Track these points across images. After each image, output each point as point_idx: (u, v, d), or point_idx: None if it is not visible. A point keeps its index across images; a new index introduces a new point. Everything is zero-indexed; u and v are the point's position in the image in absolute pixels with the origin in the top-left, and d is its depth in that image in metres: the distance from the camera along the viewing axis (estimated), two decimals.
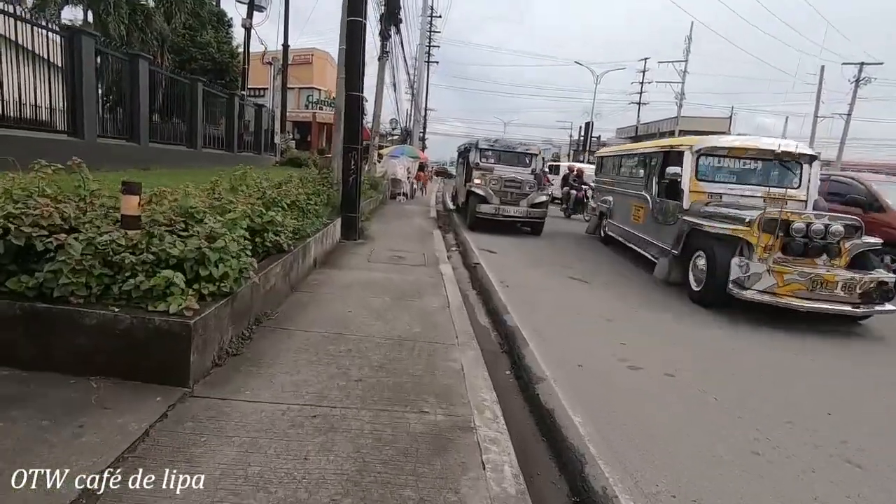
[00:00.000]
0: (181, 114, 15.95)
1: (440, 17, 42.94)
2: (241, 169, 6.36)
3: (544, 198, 11.54)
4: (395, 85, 22.61)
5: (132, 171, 10.47)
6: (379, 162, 18.19)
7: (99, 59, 11.49)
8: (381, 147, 21.01)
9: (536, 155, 12.89)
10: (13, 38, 8.48)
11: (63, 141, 9.71)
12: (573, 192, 16.16)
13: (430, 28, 40.75)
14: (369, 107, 15.61)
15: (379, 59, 14.85)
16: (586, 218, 13.85)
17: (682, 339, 4.97)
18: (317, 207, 7.42)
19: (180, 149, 15.52)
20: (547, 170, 16.83)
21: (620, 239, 9.83)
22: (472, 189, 11.47)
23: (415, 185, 17.82)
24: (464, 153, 13.64)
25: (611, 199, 10.71)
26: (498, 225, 11.47)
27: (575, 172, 16.83)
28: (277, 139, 23.65)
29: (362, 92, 8.09)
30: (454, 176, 49.13)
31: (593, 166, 15.33)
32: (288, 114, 34.13)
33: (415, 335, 4.07)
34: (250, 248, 3.79)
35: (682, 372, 4.05)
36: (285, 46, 26.24)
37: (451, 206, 16.64)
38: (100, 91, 12.13)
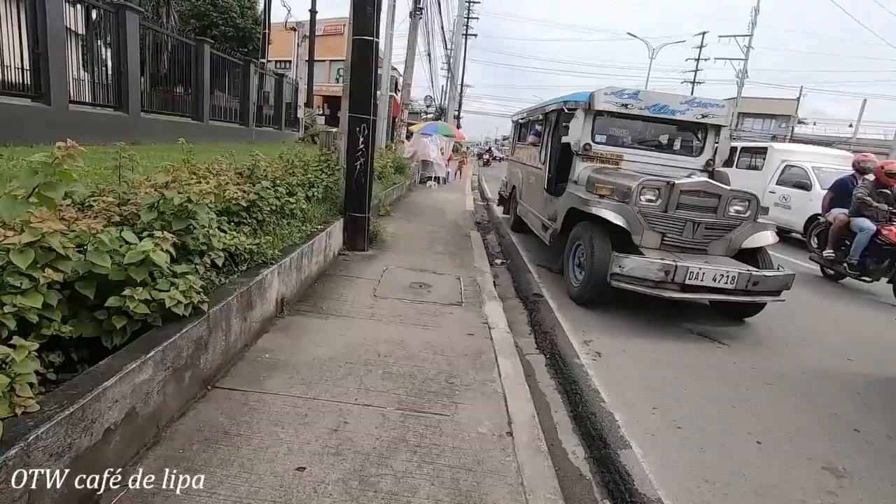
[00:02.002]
0: (185, 81, 13.65)
1: None
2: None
3: (769, 236, 4.88)
4: (429, 55, 19.75)
5: (111, 147, 8.06)
6: (408, 140, 15.53)
7: (70, 7, 9.14)
8: (410, 124, 18.26)
9: (718, 128, 5.96)
10: None
11: (25, 107, 7.49)
12: (865, 223, 6.57)
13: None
14: (390, 79, 12.87)
15: (411, 15, 12.06)
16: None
17: None
18: (303, 207, 4.87)
19: (182, 120, 13.23)
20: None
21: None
22: (593, 207, 4.85)
23: (448, 169, 15.15)
24: (534, 123, 7.98)
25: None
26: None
27: (873, 174, 6.96)
28: (301, 113, 21.22)
29: (376, 36, 5.42)
30: (497, 159, 46.17)
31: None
32: (317, 87, 31.75)
33: None
34: None
35: None
36: (312, 13, 23.60)
37: (497, 209, 10.93)
38: (73, 46, 9.87)
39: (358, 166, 5.61)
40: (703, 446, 2.72)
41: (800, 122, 40.20)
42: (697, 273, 4.27)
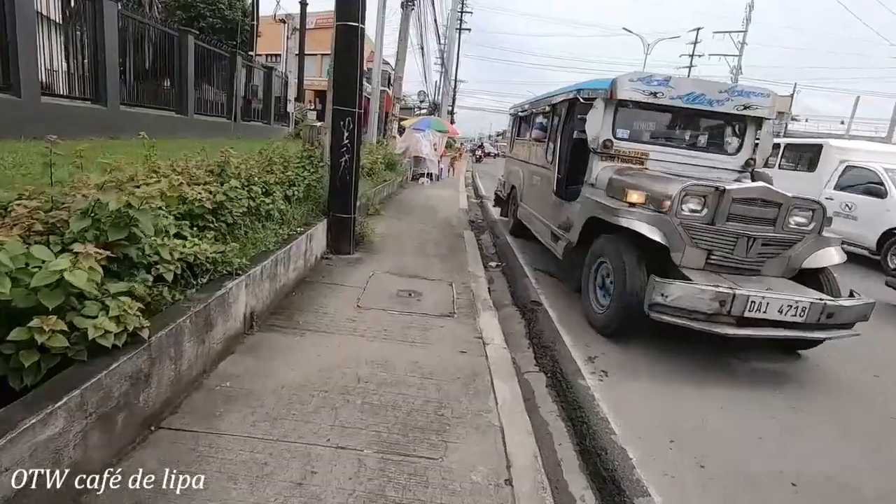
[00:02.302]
0: (168, 73, 13.14)
1: None
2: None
3: (835, 254, 4.01)
4: (423, 48, 19.26)
5: (89, 141, 7.59)
6: (400, 136, 15.08)
7: None
8: (402, 119, 17.79)
9: (759, 121, 5.20)
10: None
11: None
12: None
13: None
14: (382, 73, 12.41)
15: (402, 6, 11.59)
16: None
17: None
18: (281, 207, 4.46)
19: (165, 114, 12.73)
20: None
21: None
22: (623, 218, 3.97)
23: (441, 165, 14.71)
24: (538, 116, 7.12)
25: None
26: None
27: None
28: (291, 108, 20.66)
29: (362, 22, 4.99)
30: (491, 155, 45.84)
31: None
32: (308, 82, 31.12)
33: None
34: None
35: None
36: (303, 4, 23.02)
37: (494, 210, 10.01)
38: (45, 34, 9.33)
39: (343, 163, 5.19)
40: (731, 491, 2.35)
41: (793, 118, 40.06)
42: (760, 303, 3.38)
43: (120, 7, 10.31)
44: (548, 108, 6.44)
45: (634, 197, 3.99)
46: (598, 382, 3.32)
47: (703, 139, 5.50)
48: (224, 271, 3.02)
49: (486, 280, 5.19)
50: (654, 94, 4.77)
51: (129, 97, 11.47)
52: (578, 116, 5.20)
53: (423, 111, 39.12)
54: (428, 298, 4.34)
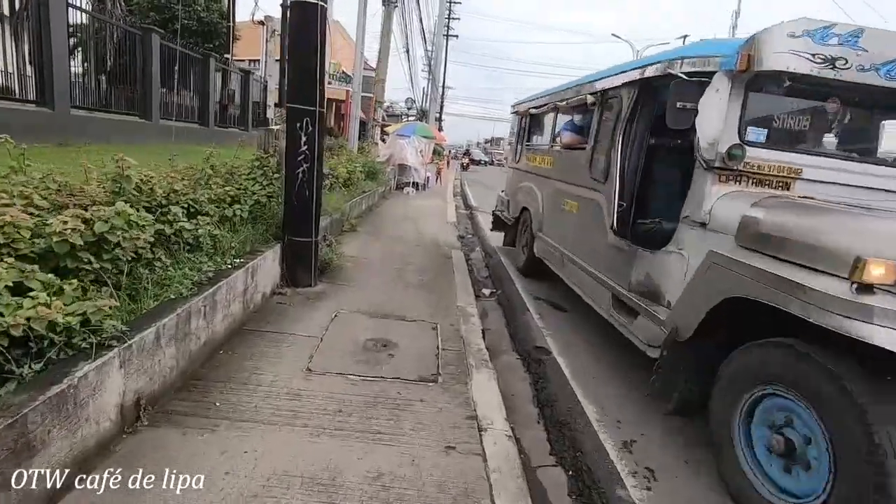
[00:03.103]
0: (130, 75, 12.01)
1: None
2: None
3: None
4: (408, 51, 18.27)
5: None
6: (384, 142, 14.03)
7: None
8: (385, 125, 16.74)
9: None
10: None
11: None
12: None
13: None
14: (362, 78, 11.34)
15: (384, 3, 10.59)
16: None
17: None
18: (216, 233, 3.38)
19: (126, 119, 11.57)
20: None
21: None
22: (851, 314, 1.79)
23: (428, 173, 13.69)
24: (569, 112, 5.33)
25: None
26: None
27: None
28: (270, 113, 19.51)
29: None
30: (481, 162, 44.91)
31: None
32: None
33: None
34: None
35: None
36: (284, 7, 21.89)
37: (490, 231, 7.93)
38: None
39: (300, 174, 4.12)
40: None
41: None
42: None
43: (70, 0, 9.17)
44: (590, 99, 4.30)
45: (877, 272, 1.80)
46: (646, 492, 2.28)
47: (882, 143, 3.26)
48: (83, 344, 1.95)
49: (478, 318, 4.14)
50: (832, 63, 2.61)
51: (84, 100, 10.32)
52: (679, 104, 2.84)
53: (412, 118, 38.15)
54: (404, 352, 3.27)
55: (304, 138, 4.08)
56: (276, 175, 4.58)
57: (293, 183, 4.15)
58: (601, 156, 3.98)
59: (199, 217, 3.35)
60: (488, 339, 3.96)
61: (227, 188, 4.00)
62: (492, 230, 7.64)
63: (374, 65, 20.43)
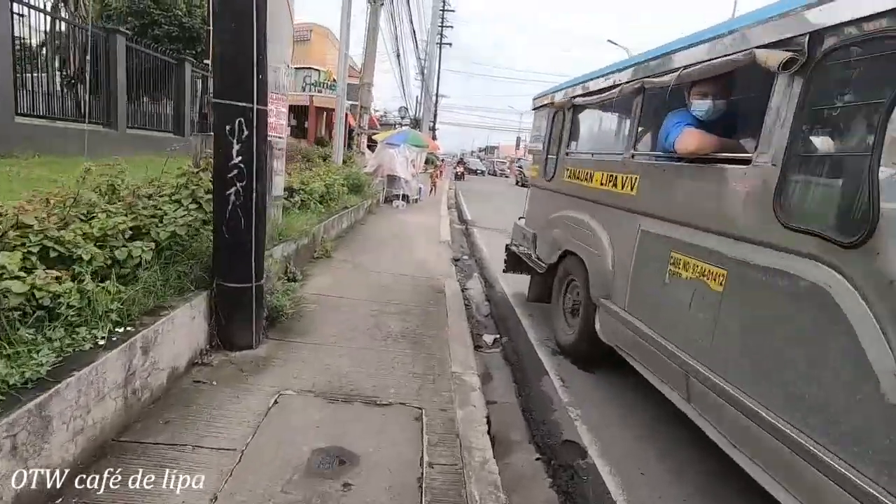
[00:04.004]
0: (93, 80, 10.84)
1: None
2: None
3: None
4: (399, 55, 17.17)
5: None
6: (371, 151, 12.87)
7: None
8: (370, 132, 15.57)
9: None
10: None
11: None
12: None
13: (443, 3, 34.99)
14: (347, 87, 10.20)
15: (370, 0, 9.48)
16: None
17: None
18: (86, 288, 2.18)
19: (87, 128, 10.33)
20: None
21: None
22: None
23: (420, 185, 12.53)
24: (670, 91, 2.75)
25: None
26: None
27: None
28: None
29: None
30: (477, 172, 44.10)
31: None
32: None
33: None
34: None
35: None
36: None
37: (486, 254, 7.55)
38: None
39: (232, 197, 2.94)
40: None
41: None
42: None
43: None
44: (773, 59, 2.01)
45: None
46: None
47: None
48: None
49: (480, 394, 2.95)
50: None
51: (33, 107, 9.12)
52: None
53: (406, 127, 37.13)
54: (369, 477, 2.08)
55: (236, 147, 2.90)
56: (208, 196, 3.39)
57: (223, 208, 2.96)
58: (836, 179, 1.92)
59: (58, 266, 2.16)
60: (495, 420, 2.80)
61: (128, 217, 2.81)
62: (504, 271, 5.40)
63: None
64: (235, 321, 3.10)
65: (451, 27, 38.76)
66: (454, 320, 4.15)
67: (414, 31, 19.53)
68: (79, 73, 10.70)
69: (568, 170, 4.15)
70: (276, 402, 2.59)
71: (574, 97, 4.14)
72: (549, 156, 4.65)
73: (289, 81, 4.74)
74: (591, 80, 3.90)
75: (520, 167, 32.29)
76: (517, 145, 70.82)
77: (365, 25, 10.18)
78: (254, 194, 3.01)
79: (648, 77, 3.05)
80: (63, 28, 10.52)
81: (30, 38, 9.05)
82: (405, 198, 11.48)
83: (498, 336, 4.31)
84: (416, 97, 37.98)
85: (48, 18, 9.65)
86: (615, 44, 31.63)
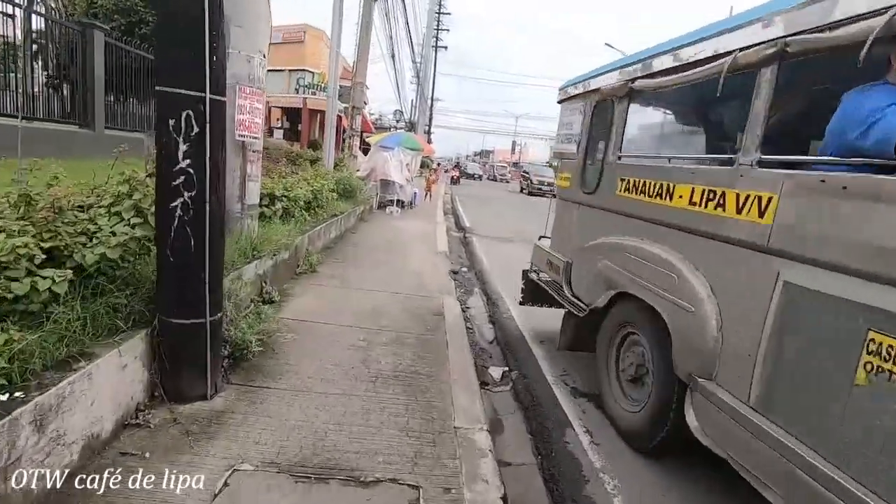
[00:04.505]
0: (67, 77, 10.19)
1: None
2: None
3: None
4: (394, 56, 16.58)
5: None
6: (364, 154, 12.24)
7: None
8: (362, 133, 14.92)
9: None
10: None
11: None
12: None
13: (439, 6, 34.48)
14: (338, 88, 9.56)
15: None
16: None
17: None
18: None
19: (59, 128, 9.67)
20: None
21: None
22: None
23: (415, 190, 11.92)
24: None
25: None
26: None
27: None
28: None
29: None
30: (474, 176, 43.87)
31: None
32: (274, 98, 28.22)
33: None
34: None
35: None
36: None
37: (486, 265, 7.00)
38: None
39: (178, 211, 2.30)
40: None
41: None
42: None
43: None
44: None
45: None
46: None
47: None
48: None
49: (492, 460, 2.32)
50: None
51: None
52: None
53: (401, 130, 36.56)
54: None
55: (183, 147, 2.27)
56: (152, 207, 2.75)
57: (167, 225, 2.32)
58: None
59: None
60: (511, 492, 2.17)
61: (42, 236, 2.16)
62: (521, 303, 4.41)
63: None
64: (184, 366, 2.46)
65: (447, 30, 38.29)
66: (455, 352, 3.52)
67: (409, 33, 18.94)
68: (56, 72, 10.05)
69: (623, 180, 3.02)
70: (226, 483, 1.95)
71: (634, 80, 2.97)
72: (589, 161, 3.57)
73: (265, 73, 4.11)
74: (668, 52, 2.72)
75: (526, 172, 29.26)
76: (512, 149, 70.53)
77: (357, 21, 9.57)
78: (207, 207, 2.37)
79: (799, 34, 1.88)
80: (41, 24, 9.85)
81: None
82: (400, 203, 10.85)
83: (507, 369, 3.69)
84: (412, 101, 37.42)
85: (19, 12, 8.96)
86: (612, 47, 31.26)
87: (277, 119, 29.72)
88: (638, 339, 2.83)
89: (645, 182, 2.81)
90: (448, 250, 7.64)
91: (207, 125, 2.31)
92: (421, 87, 32.82)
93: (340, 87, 13.59)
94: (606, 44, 32.92)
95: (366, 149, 13.02)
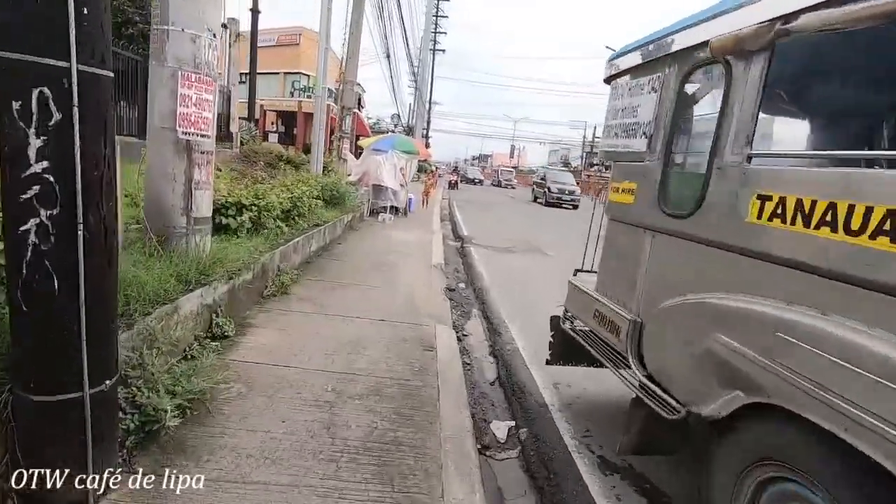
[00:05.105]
0: None
1: None
2: None
3: None
4: (389, 56, 15.86)
5: None
6: (356, 158, 11.48)
7: None
8: (348, 135, 14.15)
9: None
10: None
11: None
12: None
13: (436, 9, 33.85)
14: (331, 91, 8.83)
15: None
16: None
17: None
18: None
19: None
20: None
21: None
22: None
23: (410, 196, 11.16)
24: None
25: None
26: None
27: None
28: (235, 127, 16.88)
29: None
30: (474, 181, 42.82)
31: None
32: (268, 102, 27.50)
33: None
34: None
35: None
36: (254, 12, 19.51)
37: (486, 282, 6.20)
38: None
39: (32, 237, 1.54)
40: None
41: None
42: None
43: None
44: None
45: None
46: None
47: None
48: None
49: None
50: None
51: None
52: None
53: (395, 133, 35.87)
54: None
55: (36, 144, 1.51)
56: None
57: (16, 257, 1.56)
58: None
59: None
60: None
61: None
62: (548, 363, 3.19)
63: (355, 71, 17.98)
64: (50, 460, 1.68)
65: (445, 33, 37.62)
66: (449, 406, 2.75)
67: (405, 35, 18.24)
68: None
69: (764, 198, 1.69)
70: None
71: (792, 17, 1.57)
72: (676, 164, 2.32)
73: (215, 57, 3.35)
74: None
75: (541, 178, 24.87)
76: (511, 153, 69.87)
77: (347, 17, 8.85)
78: (81, 231, 1.60)
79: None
80: None
81: None
82: (393, 210, 10.08)
83: (513, 424, 2.92)
84: (410, 104, 36.79)
85: None
86: (612, 49, 30.62)
87: (272, 123, 28.98)
88: (800, 495, 1.52)
89: (824, 206, 1.47)
90: (444, 262, 6.87)
91: (75, 110, 1.54)
92: (419, 91, 32.12)
93: (333, 88, 12.85)
94: (607, 47, 32.31)
95: (359, 152, 12.27)
